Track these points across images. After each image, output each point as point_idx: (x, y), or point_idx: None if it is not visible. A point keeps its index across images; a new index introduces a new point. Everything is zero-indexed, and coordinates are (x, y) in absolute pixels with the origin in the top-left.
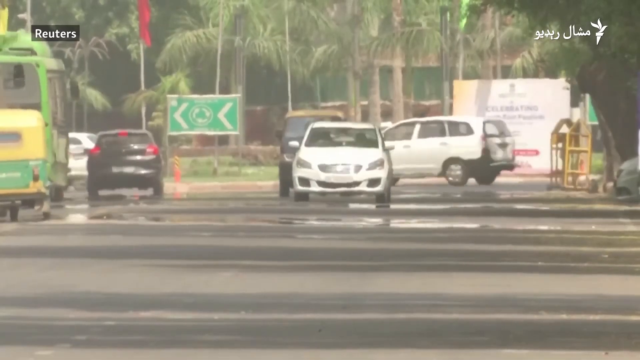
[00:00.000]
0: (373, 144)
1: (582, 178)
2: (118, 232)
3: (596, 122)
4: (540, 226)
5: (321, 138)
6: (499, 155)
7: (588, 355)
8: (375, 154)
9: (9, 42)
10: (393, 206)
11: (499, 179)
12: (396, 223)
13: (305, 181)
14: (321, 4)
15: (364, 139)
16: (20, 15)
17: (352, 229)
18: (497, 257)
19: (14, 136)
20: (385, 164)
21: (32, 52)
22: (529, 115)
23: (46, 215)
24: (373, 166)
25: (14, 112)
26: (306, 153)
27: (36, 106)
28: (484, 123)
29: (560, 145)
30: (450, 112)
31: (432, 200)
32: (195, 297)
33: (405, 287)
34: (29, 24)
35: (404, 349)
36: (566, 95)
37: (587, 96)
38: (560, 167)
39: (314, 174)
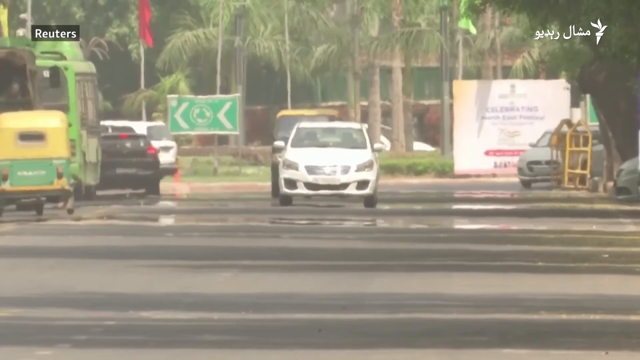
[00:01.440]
0: (361, 144)
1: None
2: (118, 232)
3: (597, 123)
4: (540, 226)
5: (307, 138)
6: (162, 159)
7: (588, 355)
8: (364, 155)
9: (40, 47)
10: (392, 207)
11: (499, 179)
12: (395, 223)
13: (291, 183)
14: (321, 3)
15: (351, 139)
16: (21, 15)
17: (352, 229)
18: (497, 257)
19: (39, 136)
20: (374, 166)
21: (61, 56)
22: (529, 115)
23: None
24: (362, 168)
25: (38, 113)
26: (292, 154)
27: (64, 108)
28: (148, 128)
29: (560, 145)
30: (450, 113)
31: (428, 201)
32: (195, 297)
33: (405, 287)
34: (29, 24)
35: (404, 349)
36: (566, 96)
37: (588, 96)
38: (560, 167)
39: (301, 175)
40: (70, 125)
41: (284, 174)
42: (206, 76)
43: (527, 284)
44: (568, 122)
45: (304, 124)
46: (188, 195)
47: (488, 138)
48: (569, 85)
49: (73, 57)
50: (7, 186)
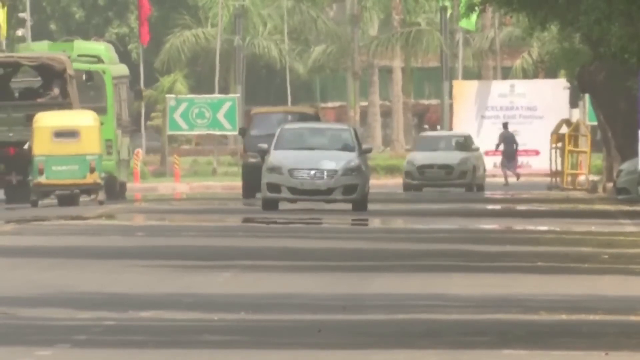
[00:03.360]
0: (349, 147)
1: (581, 178)
2: (118, 232)
3: (596, 123)
4: (540, 226)
5: (292, 140)
6: None
7: (588, 355)
8: (352, 158)
9: (77, 50)
10: (391, 207)
11: (498, 179)
12: (395, 223)
13: (275, 187)
14: (320, 3)
15: (339, 141)
16: (21, 15)
17: (352, 229)
18: (497, 257)
19: (72, 133)
20: (363, 169)
21: (99, 59)
22: (529, 115)
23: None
24: (349, 172)
25: (72, 112)
26: (276, 157)
27: (103, 109)
28: None
29: (559, 145)
30: (450, 112)
31: (428, 201)
32: (195, 297)
33: (405, 287)
34: (28, 24)
35: (403, 350)
36: (566, 96)
37: (587, 96)
38: (559, 167)
39: (284, 179)
40: (102, 124)
41: (267, 178)
42: (205, 76)
43: (527, 284)
44: (567, 122)
45: (289, 125)
46: (188, 195)
47: (488, 138)
48: (568, 85)
49: (109, 61)
50: (43, 179)
